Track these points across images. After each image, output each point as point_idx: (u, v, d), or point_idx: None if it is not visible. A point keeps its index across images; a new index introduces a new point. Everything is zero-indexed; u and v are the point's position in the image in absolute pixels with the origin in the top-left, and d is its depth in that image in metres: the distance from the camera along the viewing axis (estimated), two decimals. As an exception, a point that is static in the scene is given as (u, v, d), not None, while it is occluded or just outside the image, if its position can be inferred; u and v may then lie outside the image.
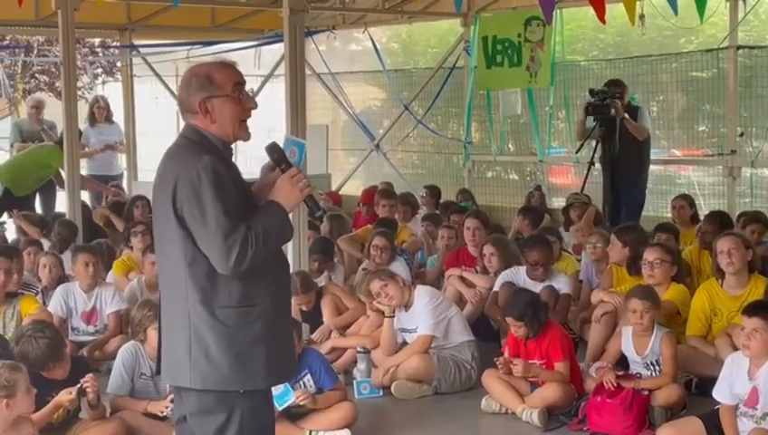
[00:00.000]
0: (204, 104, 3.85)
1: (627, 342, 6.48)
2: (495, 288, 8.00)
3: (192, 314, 3.79)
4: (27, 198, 11.72)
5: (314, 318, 7.80)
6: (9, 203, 11.32)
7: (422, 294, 7.12)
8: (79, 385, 5.50)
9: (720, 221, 8.24)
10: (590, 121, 10.47)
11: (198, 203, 3.70)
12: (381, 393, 6.95)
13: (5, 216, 11.44)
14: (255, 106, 3.96)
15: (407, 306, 7.10)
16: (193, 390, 3.86)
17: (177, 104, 4.04)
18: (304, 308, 7.73)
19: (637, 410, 6.03)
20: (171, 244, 3.82)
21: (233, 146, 3.99)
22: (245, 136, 3.95)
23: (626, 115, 10.25)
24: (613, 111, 10.16)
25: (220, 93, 3.86)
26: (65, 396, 5.50)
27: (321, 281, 8.64)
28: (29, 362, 5.52)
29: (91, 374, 5.59)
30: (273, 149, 3.99)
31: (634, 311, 6.34)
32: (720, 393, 5.46)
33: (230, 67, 3.93)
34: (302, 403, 5.95)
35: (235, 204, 3.73)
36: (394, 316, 7.11)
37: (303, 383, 6.11)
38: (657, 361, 6.34)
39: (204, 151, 3.79)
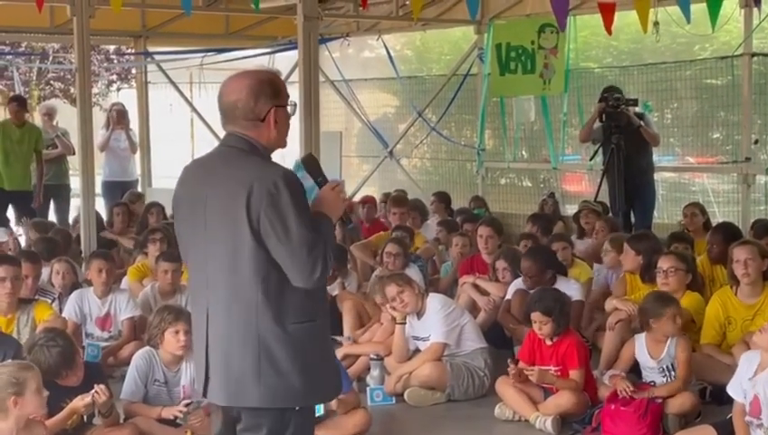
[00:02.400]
0: (274, 113, 3.77)
1: (641, 347, 6.47)
2: (508, 296, 7.99)
3: (261, 330, 3.68)
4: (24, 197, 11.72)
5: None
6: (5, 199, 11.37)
7: (434, 301, 7.12)
8: (93, 391, 5.52)
9: (726, 234, 8.03)
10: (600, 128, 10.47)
11: (280, 215, 3.61)
12: (394, 401, 6.95)
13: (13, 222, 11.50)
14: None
15: (419, 314, 7.10)
16: (252, 409, 3.75)
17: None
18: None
19: (651, 417, 6.02)
20: (239, 258, 3.68)
21: None
22: (286, 144, 3.91)
23: (642, 123, 10.25)
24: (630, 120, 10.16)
25: (284, 103, 3.82)
26: (79, 402, 5.51)
27: (334, 288, 8.64)
28: (42, 371, 5.54)
29: (102, 385, 5.58)
30: (308, 160, 3.98)
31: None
32: (733, 390, 5.48)
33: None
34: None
35: (310, 216, 3.70)
36: (405, 323, 7.11)
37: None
38: (672, 365, 6.33)
39: (268, 162, 3.75)
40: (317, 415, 5.64)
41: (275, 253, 3.64)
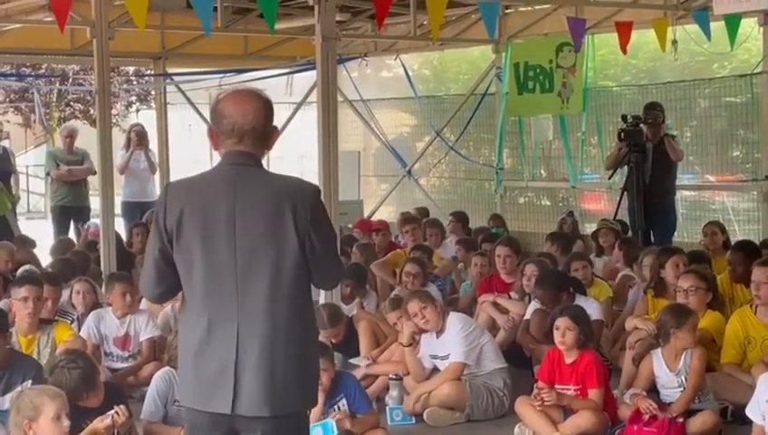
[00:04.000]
0: (275, 135, 3.96)
1: (658, 361, 6.45)
2: (527, 316, 7.97)
3: (303, 336, 3.89)
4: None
5: (345, 349, 7.78)
6: None
7: (455, 321, 7.11)
8: (112, 411, 5.53)
9: (746, 252, 8.03)
10: (624, 148, 10.45)
11: (324, 228, 3.87)
12: (414, 421, 6.93)
13: None
14: None
15: (439, 332, 7.09)
16: (271, 418, 3.80)
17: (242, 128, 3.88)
18: (333, 341, 7.66)
19: (674, 437, 5.98)
20: (279, 269, 3.79)
21: None
22: None
23: (666, 133, 10.22)
24: (649, 134, 10.15)
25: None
26: (100, 424, 5.51)
27: (352, 308, 8.65)
28: (67, 390, 5.55)
29: (122, 406, 5.58)
30: None
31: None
32: (752, 411, 5.46)
33: None
34: (340, 425, 5.95)
35: None
36: (412, 345, 7.08)
37: (338, 408, 6.13)
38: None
39: (290, 177, 4.01)
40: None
41: (316, 262, 3.85)
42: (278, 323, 3.79)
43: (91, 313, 7.79)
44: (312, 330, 4.02)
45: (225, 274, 3.79)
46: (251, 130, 3.83)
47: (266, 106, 3.89)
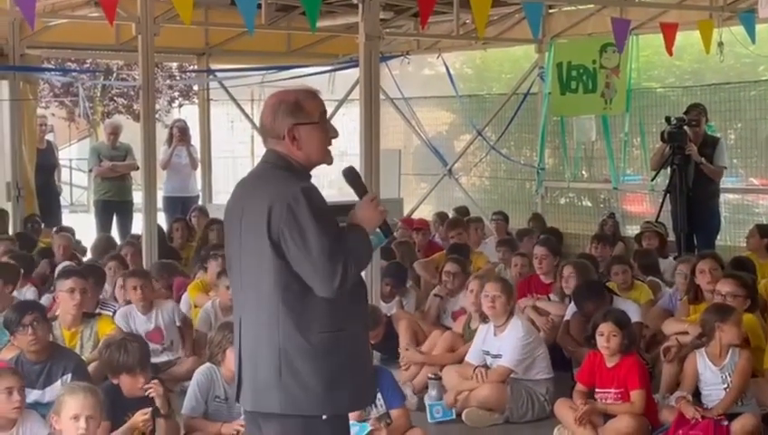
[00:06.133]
0: (292, 131, 3.87)
1: (702, 359, 6.38)
2: (567, 317, 7.94)
3: (282, 339, 3.79)
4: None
5: (384, 348, 7.78)
6: None
7: (518, 327, 7.05)
8: (151, 408, 5.59)
9: None
10: (668, 149, 10.37)
11: (298, 227, 3.72)
12: (454, 415, 6.93)
13: None
14: (337, 135, 3.99)
15: (498, 329, 7.07)
16: (277, 415, 3.84)
17: (256, 127, 4.04)
18: (372, 341, 7.66)
19: (719, 440, 5.93)
20: (262, 269, 3.81)
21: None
22: (330, 161, 3.99)
23: (702, 160, 10.12)
24: (688, 151, 10.06)
25: (308, 121, 3.89)
26: (140, 417, 5.58)
27: (391, 307, 8.65)
28: (118, 365, 5.72)
29: (155, 380, 5.74)
30: (349, 173, 4.05)
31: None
32: None
33: (317, 96, 3.97)
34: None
35: (334, 225, 3.79)
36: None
37: (375, 405, 6.11)
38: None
39: (295, 178, 3.84)
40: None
41: (296, 264, 3.75)
42: (259, 324, 3.85)
43: (118, 312, 7.80)
44: (315, 336, 3.78)
45: (236, 271, 3.99)
46: (262, 127, 3.97)
47: (274, 103, 3.91)
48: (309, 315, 3.79)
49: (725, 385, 6.25)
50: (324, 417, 3.83)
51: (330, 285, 3.72)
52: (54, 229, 10.74)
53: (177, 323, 7.83)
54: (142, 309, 7.75)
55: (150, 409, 5.61)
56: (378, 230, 4.01)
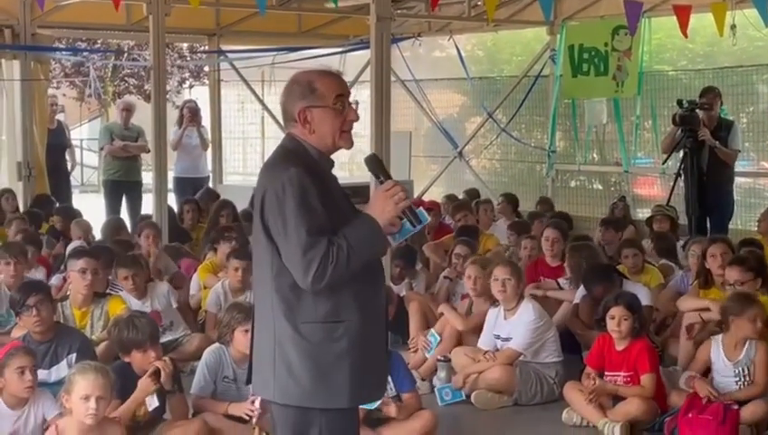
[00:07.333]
0: (303, 113, 3.77)
1: (717, 349, 6.35)
2: (576, 300, 7.93)
3: (276, 328, 3.73)
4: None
5: (395, 328, 7.78)
6: None
7: (529, 310, 7.03)
8: (153, 368, 5.63)
9: None
10: (679, 132, 10.34)
11: (281, 215, 3.65)
12: (464, 396, 6.95)
13: None
14: (357, 118, 3.84)
15: (508, 313, 7.07)
16: (274, 403, 3.84)
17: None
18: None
19: (729, 425, 5.90)
20: (260, 255, 3.81)
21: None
22: (347, 145, 3.85)
23: (716, 143, 10.09)
24: (702, 136, 10.03)
25: (321, 104, 3.77)
26: (144, 381, 5.61)
27: (401, 289, 8.65)
28: (128, 342, 5.75)
29: (165, 357, 5.78)
30: (370, 160, 3.90)
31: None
32: None
33: (335, 77, 3.84)
34: (385, 411, 5.97)
35: (318, 218, 3.64)
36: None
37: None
38: (748, 369, 6.21)
39: (293, 162, 3.71)
40: (372, 408, 5.63)
41: (281, 252, 3.71)
42: (259, 311, 3.86)
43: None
44: (304, 326, 3.69)
45: (252, 256, 4.01)
46: (281, 109, 3.91)
47: (289, 85, 3.84)
48: (300, 304, 3.70)
49: (738, 379, 6.22)
50: (321, 409, 3.74)
51: (304, 279, 3.61)
52: (73, 221, 10.67)
53: (174, 305, 7.83)
54: (136, 296, 7.76)
55: (151, 370, 5.63)
56: (403, 220, 3.77)
